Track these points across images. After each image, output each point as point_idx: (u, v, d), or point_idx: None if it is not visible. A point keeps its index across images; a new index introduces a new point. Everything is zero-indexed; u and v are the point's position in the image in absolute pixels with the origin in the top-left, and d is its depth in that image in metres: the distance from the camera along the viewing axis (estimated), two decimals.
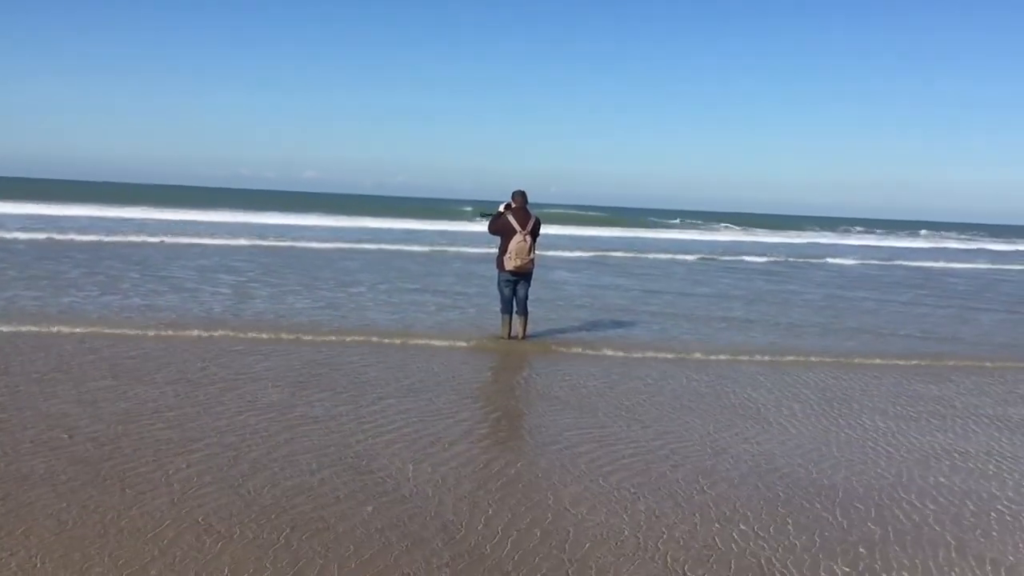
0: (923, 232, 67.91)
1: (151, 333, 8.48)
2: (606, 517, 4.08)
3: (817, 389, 7.35)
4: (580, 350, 8.76)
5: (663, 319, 11.38)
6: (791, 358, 8.85)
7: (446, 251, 22.16)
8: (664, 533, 3.92)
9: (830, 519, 4.20)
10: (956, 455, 5.50)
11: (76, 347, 7.59)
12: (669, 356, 8.66)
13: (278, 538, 3.67)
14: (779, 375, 7.92)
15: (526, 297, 9.13)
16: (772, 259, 25.60)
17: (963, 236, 62.68)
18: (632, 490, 4.49)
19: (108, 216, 31.44)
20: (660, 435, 5.62)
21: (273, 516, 3.91)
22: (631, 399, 6.63)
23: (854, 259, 27.97)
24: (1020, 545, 4.00)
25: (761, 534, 3.96)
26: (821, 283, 18.51)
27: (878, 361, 8.97)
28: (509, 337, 9.05)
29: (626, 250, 25.79)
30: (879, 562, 3.71)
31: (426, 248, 22.79)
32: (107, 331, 8.44)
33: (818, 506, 4.39)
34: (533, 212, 9.03)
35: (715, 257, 25.08)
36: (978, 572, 3.68)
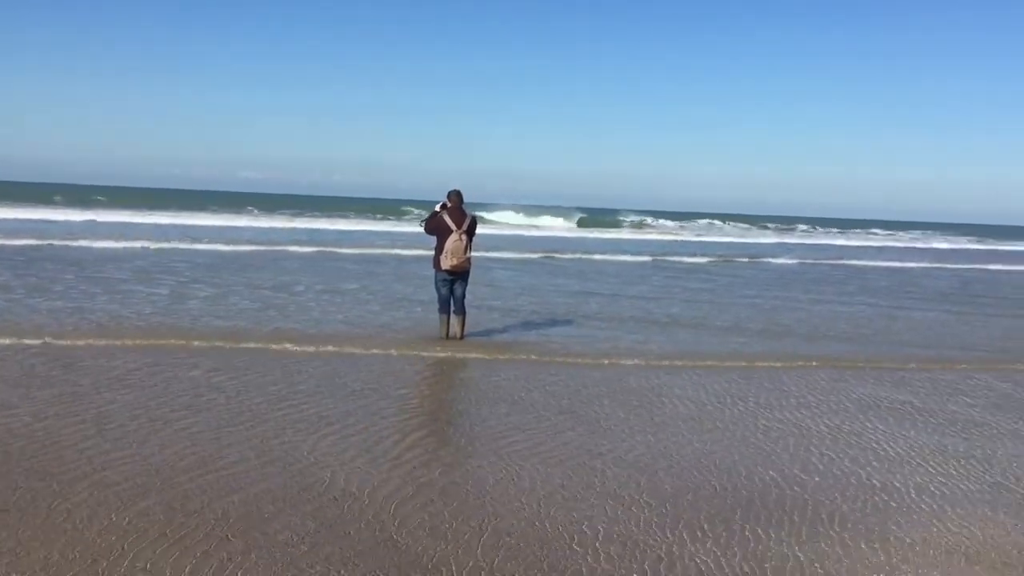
0: (876, 231, 68.13)
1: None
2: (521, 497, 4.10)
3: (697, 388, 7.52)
4: (509, 356, 8.77)
5: (595, 322, 11.49)
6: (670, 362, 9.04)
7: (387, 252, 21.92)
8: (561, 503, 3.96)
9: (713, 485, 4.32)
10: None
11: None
12: (582, 361, 8.71)
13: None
14: (674, 376, 8.08)
15: (463, 296, 9.11)
16: (710, 259, 26.05)
17: (915, 235, 62.94)
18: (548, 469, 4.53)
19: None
20: (566, 429, 5.68)
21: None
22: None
23: (791, 258, 28.66)
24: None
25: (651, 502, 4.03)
26: (726, 283, 18.96)
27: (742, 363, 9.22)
28: (447, 337, 9.02)
29: (575, 251, 25.91)
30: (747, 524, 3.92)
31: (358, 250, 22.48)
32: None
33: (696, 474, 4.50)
34: (469, 211, 9.03)
35: (662, 258, 25.35)
36: (827, 528, 3.90)
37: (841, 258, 30.18)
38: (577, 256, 24.11)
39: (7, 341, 7.86)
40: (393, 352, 8.27)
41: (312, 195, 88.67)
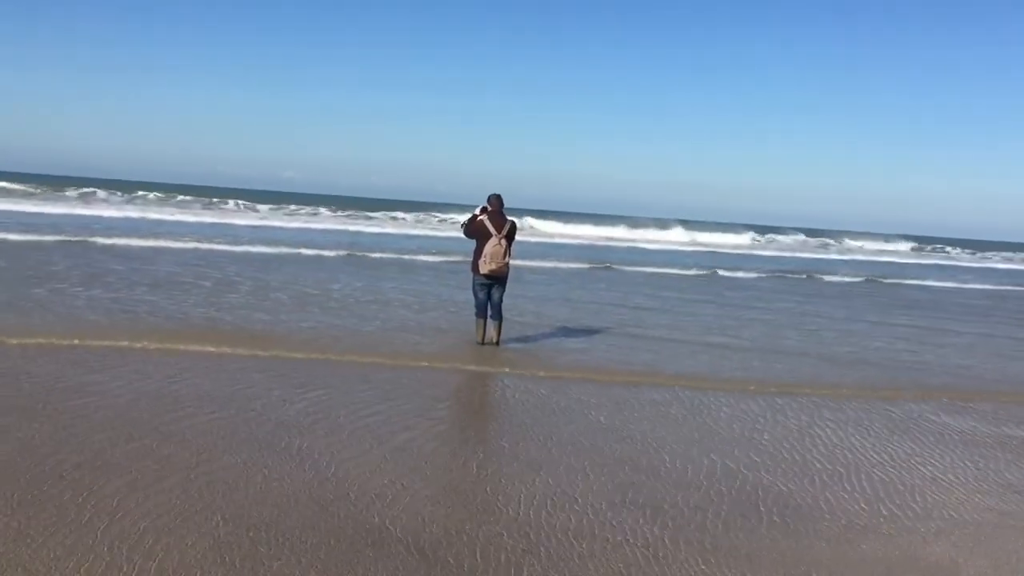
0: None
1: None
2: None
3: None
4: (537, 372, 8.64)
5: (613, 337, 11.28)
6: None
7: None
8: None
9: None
10: None
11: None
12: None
13: None
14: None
15: (500, 301, 9.02)
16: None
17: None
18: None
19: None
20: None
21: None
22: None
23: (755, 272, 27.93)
24: None
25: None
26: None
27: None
28: (483, 342, 8.95)
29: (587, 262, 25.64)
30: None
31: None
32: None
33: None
34: (509, 216, 8.95)
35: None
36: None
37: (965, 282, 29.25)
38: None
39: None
40: (424, 364, 7.92)
41: (362, 197, 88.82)
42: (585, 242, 37.33)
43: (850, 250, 51.47)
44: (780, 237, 55.31)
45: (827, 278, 25.33)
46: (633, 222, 50.42)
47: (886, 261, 42.16)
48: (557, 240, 36.57)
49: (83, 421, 5.22)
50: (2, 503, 3.83)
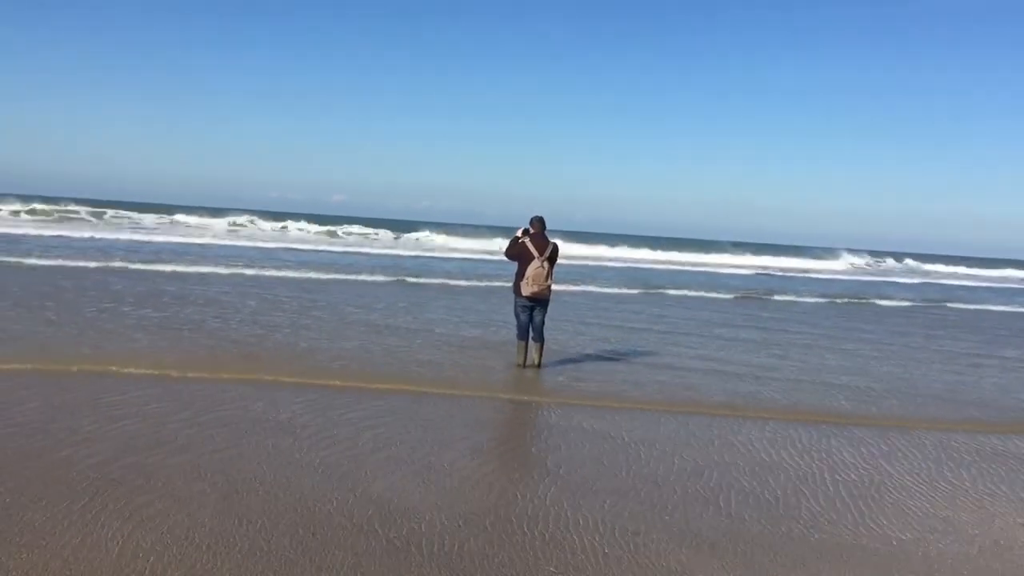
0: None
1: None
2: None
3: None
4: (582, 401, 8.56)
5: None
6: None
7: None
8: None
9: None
10: None
11: None
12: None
13: None
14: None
15: (542, 324, 9.01)
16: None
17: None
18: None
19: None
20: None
21: None
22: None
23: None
24: None
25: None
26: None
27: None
28: (524, 365, 8.93)
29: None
30: None
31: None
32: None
33: None
34: (551, 238, 8.96)
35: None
36: None
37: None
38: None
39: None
40: (467, 393, 7.64)
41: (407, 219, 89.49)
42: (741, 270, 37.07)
43: None
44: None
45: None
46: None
47: None
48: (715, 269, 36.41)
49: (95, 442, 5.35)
50: None
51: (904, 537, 4.48)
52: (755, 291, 25.10)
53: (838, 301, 23.73)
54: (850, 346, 13.04)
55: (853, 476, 5.62)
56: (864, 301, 24.53)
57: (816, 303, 22.39)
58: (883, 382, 9.73)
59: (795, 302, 22.19)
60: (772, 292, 25.00)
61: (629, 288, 22.56)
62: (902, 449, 6.51)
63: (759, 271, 40.32)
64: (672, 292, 22.30)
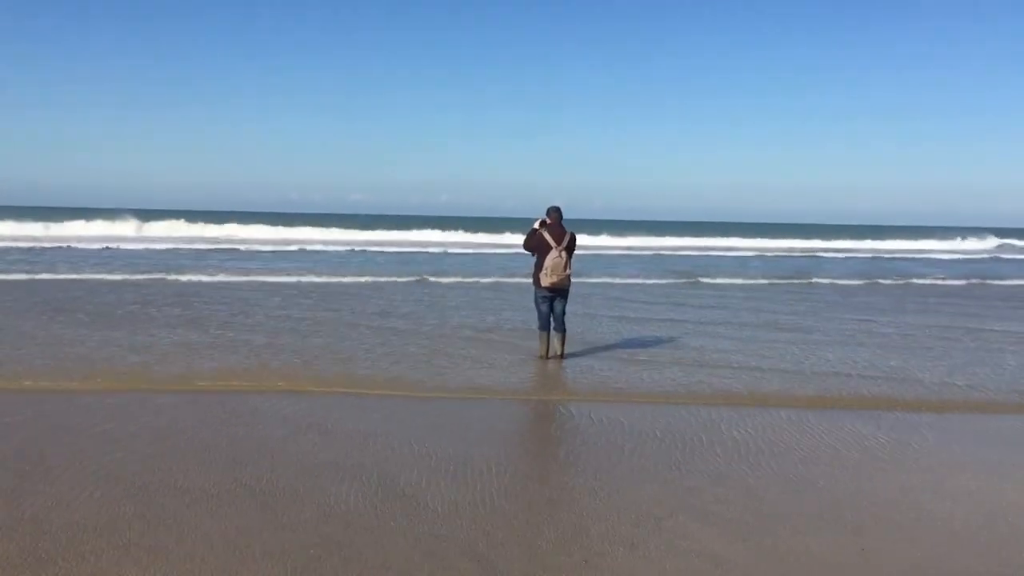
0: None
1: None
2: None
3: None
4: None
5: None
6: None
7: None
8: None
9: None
10: None
11: None
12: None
13: None
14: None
15: (563, 314, 8.98)
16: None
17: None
18: None
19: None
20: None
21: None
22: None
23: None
24: None
25: None
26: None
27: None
28: (547, 356, 8.91)
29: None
30: None
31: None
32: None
33: None
34: (568, 228, 8.90)
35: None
36: None
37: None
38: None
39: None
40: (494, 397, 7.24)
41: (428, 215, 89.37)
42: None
43: None
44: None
45: None
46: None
47: None
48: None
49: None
50: None
51: None
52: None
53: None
54: None
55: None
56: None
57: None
58: None
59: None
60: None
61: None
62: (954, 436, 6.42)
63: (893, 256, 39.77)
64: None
